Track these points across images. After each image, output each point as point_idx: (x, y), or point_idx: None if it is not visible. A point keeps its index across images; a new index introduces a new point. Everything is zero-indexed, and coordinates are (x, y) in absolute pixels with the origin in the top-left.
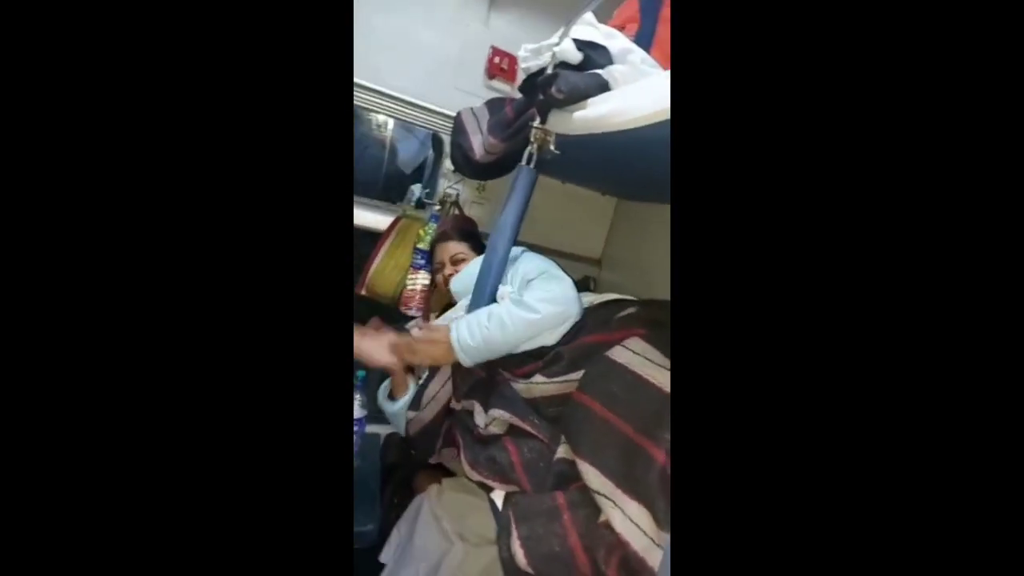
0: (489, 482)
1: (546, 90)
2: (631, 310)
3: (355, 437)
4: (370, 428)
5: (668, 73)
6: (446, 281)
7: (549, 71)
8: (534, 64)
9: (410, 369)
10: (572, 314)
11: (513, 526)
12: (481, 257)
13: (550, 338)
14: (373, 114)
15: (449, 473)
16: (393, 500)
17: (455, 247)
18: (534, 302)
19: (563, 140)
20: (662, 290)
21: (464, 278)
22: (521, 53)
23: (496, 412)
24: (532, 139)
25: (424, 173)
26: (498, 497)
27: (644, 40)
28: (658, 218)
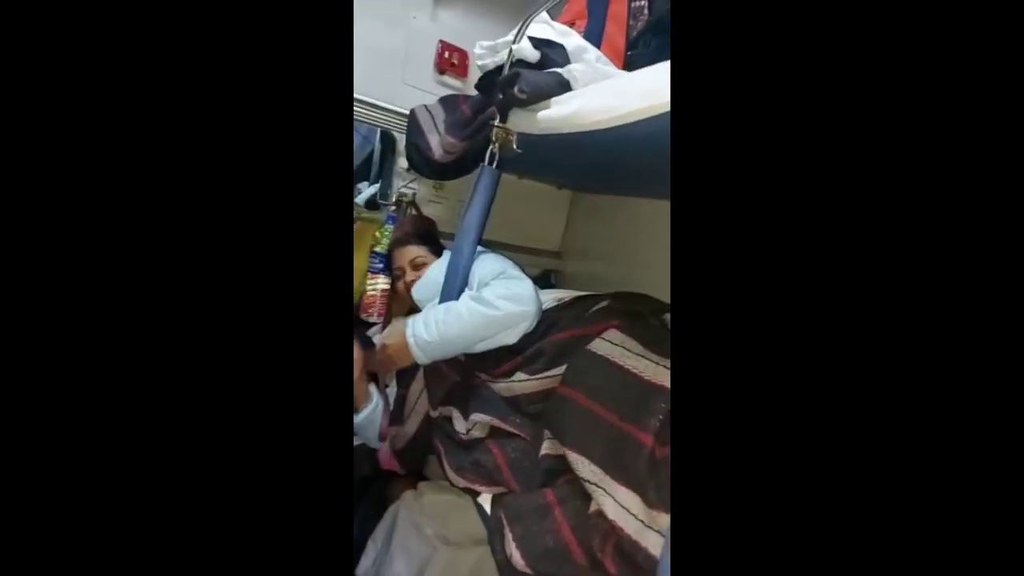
0: (476, 486)
1: (507, 90)
2: (604, 303)
3: None
4: None
5: (633, 74)
6: (408, 288)
7: (507, 69)
8: (490, 62)
9: (373, 377)
10: (531, 313)
11: (506, 528)
12: (442, 260)
13: (510, 337)
14: None
15: (422, 477)
16: (369, 513)
17: (414, 251)
18: (494, 299)
19: (525, 139)
20: (622, 277)
21: (427, 284)
22: (477, 50)
23: (477, 416)
24: (494, 139)
25: (371, 170)
26: (485, 500)
27: (593, 37)
28: (613, 208)
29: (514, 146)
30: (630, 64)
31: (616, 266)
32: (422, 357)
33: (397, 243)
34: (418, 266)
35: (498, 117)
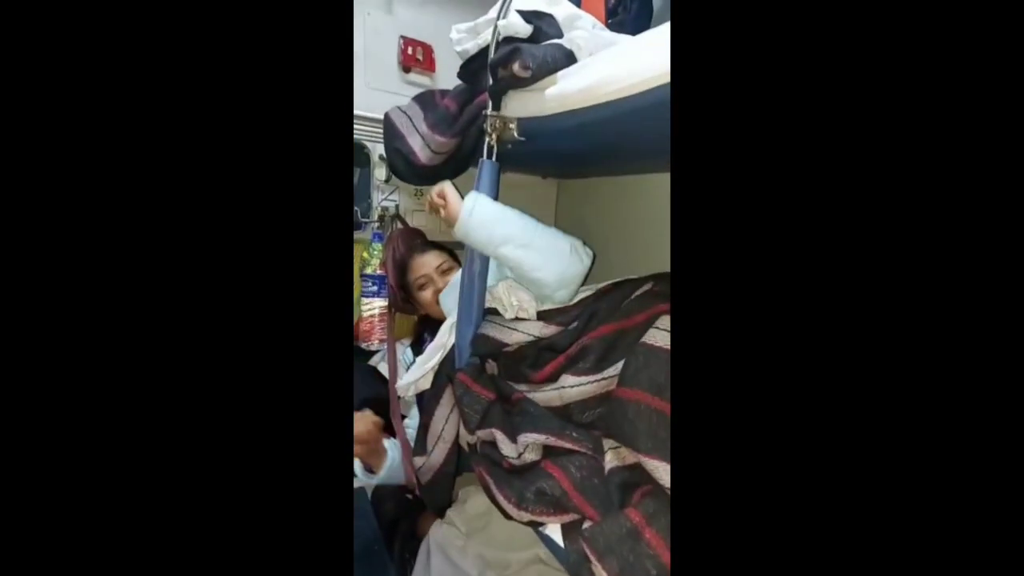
0: (543, 518)
1: (504, 69)
2: (647, 287)
3: None
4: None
5: (648, 35)
6: (437, 295)
7: (494, 50)
8: (472, 45)
9: (387, 428)
10: (579, 276)
11: (596, 563)
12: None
13: (552, 273)
14: None
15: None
16: (404, 555)
17: (438, 256)
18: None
19: (528, 124)
20: (625, 261)
21: (451, 291)
22: (453, 35)
23: (528, 437)
24: (489, 129)
25: None
26: (552, 530)
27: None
28: (603, 191)
29: (515, 134)
30: (612, 31)
31: (616, 250)
32: (464, 225)
33: (417, 250)
34: (446, 271)
35: (490, 105)
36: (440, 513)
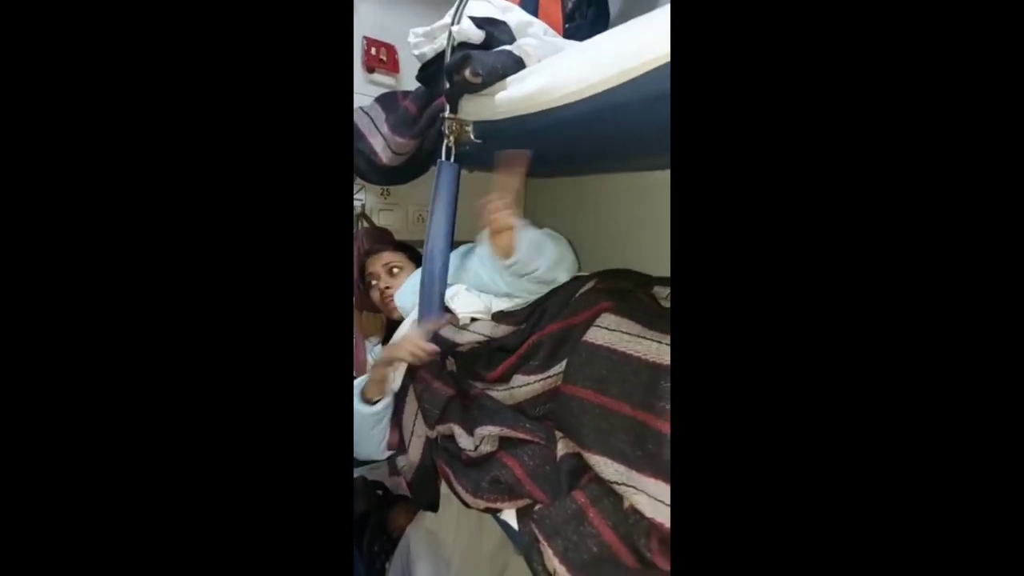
0: (498, 505)
1: (458, 74)
2: (590, 284)
3: None
4: None
5: (595, 41)
6: (384, 295)
7: (449, 54)
8: (429, 50)
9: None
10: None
11: (544, 543)
12: (416, 273)
13: (563, 271)
14: None
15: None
16: (373, 548)
17: (388, 256)
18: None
19: (482, 127)
20: (597, 258)
21: (408, 291)
22: (411, 39)
23: (484, 430)
24: (447, 131)
25: None
26: (508, 516)
27: (528, 11)
28: (573, 190)
29: (471, 136)
30: (569, 36)
31: (588, 248)
32: (523, 244)
33: (371, 252)
34: (394, 272)
35: (448, 108)
36: (432, 509)
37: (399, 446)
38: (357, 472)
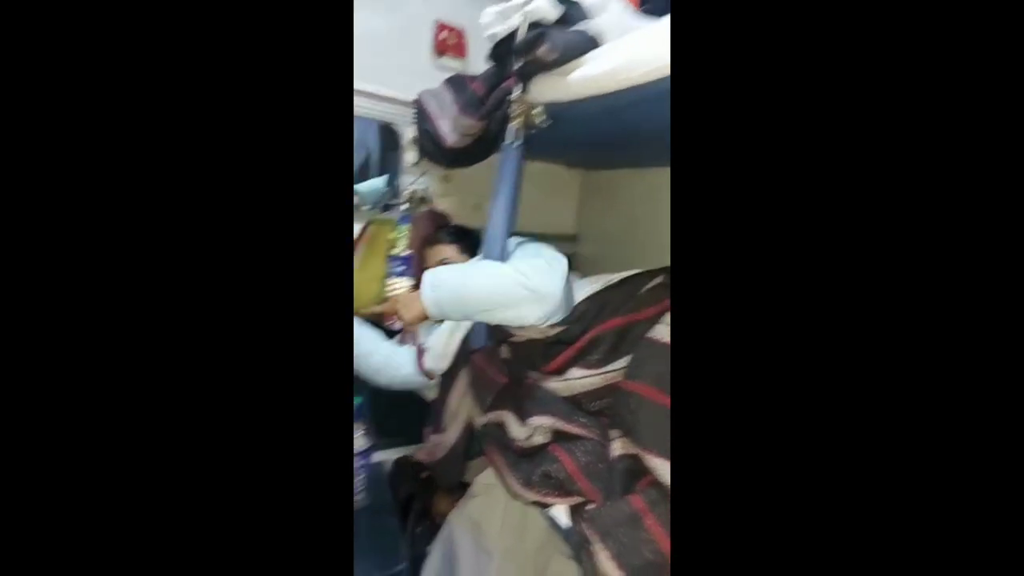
0: (549, 500)
1: (532, 52)
2: (658, 280)
3: (361, 470)
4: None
5: (665, 19)
6: None
7: (522, 33)
8: (502, 29)
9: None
10: (554, 293)
11: (597, 543)
12: (472, 261)
13: (529, 314)
14: None
15: (463, 485)
16: (415, 531)
17: (443, 251)
18: (524, 266)
19: (554, 108)
20: (647, 256)
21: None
22: (483, 18)
23: (537, 420)
24: (514, 114)
25: (368, 173)
26: (557, 512)
27: None
28: (628, 183)
29: (540, 119)
30: (647, 13)
31: (638, 245)
32: (433, 309)
33: (428, 241)
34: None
35: (517, 89)
36: (451, 490)
37: (437, 426)
38: (401, 454)
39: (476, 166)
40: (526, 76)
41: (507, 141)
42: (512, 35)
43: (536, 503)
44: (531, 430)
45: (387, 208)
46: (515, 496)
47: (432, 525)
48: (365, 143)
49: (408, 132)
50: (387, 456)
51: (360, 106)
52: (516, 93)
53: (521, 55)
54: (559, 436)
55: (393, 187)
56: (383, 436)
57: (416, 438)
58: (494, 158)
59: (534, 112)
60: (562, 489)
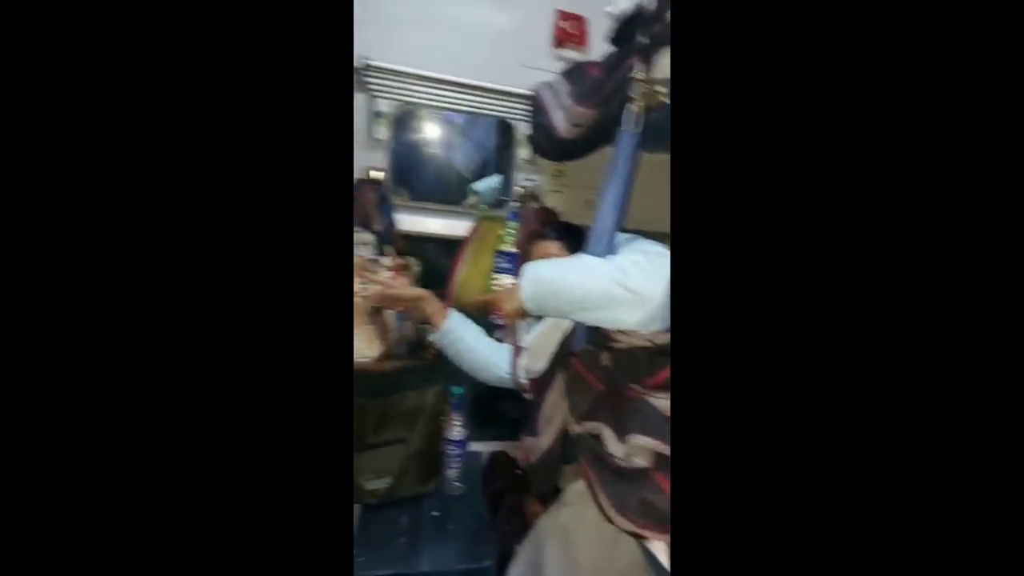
0: (645, 532)
1: (659, 22)
2: None
3: (457, 459)
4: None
5: None
6: None
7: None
8: (628, 4)
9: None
10: (657, 302)
11: None
12: (572, 258)
13: (629, 316)
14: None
15: (558, 491)
16: (505, 528)
17: (548, 247)
18: (626, 263)
19: None
20: None
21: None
22: None
23: (638, 440)
24: (634, 96)
25: (487, 170)
26: (657, 548)
27: None
28: None
29: (663, 97)
30: None
31: None
32: (530, 301)
33: (534, 236)
34: None
35: (639, 69)
36: (545, 498)
37: (530, 429)
38: (497, 448)
39: (591, 162)
40: (650, 50)
41: (623, 127)
42: (636, 10)
43: (632, 534)
44: (631, 449)
45: (500, 205)
46: (608, 520)
47: (523, 524)
48: (483, 142)
49: (522, 128)
50: (484, 448)
51: (478, 103)
52: (638, 72)
53: (648, 25)
54: (663, 461)
55: (507, 184)
56: (481, 428)
57: (515, 435)
58: (609, 153)
59: (657, 90)
60: (662, 523)
